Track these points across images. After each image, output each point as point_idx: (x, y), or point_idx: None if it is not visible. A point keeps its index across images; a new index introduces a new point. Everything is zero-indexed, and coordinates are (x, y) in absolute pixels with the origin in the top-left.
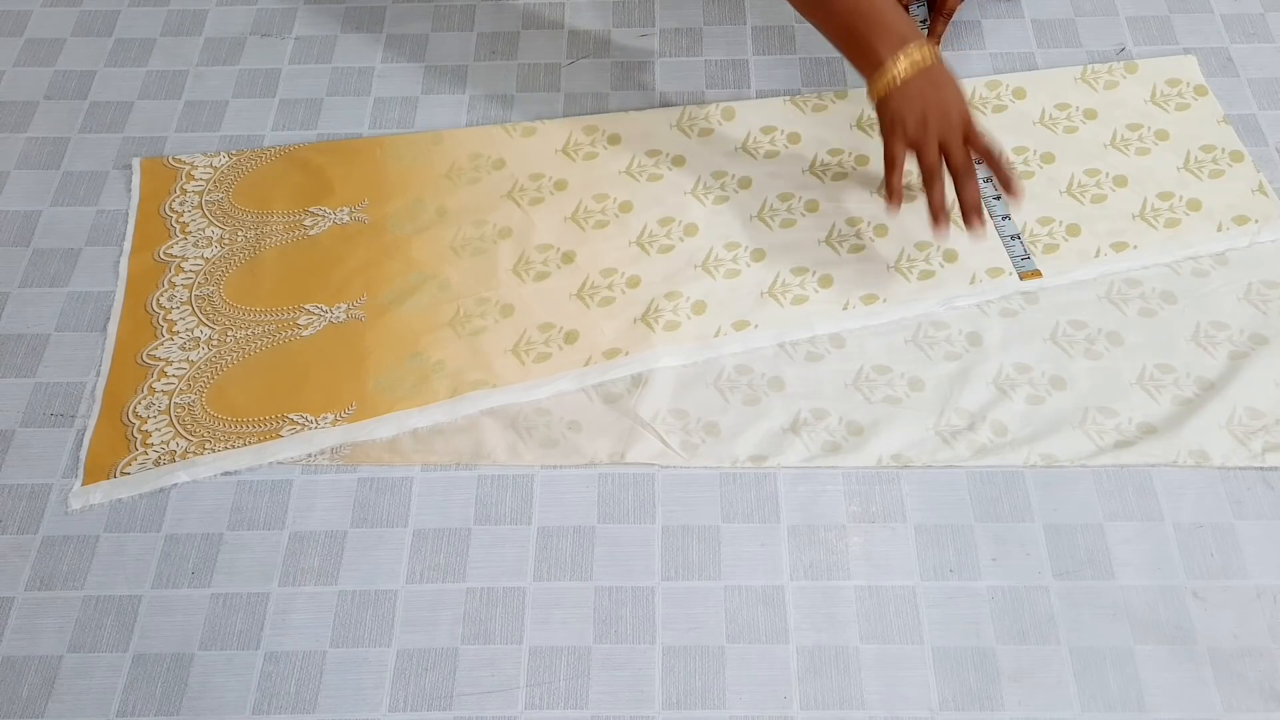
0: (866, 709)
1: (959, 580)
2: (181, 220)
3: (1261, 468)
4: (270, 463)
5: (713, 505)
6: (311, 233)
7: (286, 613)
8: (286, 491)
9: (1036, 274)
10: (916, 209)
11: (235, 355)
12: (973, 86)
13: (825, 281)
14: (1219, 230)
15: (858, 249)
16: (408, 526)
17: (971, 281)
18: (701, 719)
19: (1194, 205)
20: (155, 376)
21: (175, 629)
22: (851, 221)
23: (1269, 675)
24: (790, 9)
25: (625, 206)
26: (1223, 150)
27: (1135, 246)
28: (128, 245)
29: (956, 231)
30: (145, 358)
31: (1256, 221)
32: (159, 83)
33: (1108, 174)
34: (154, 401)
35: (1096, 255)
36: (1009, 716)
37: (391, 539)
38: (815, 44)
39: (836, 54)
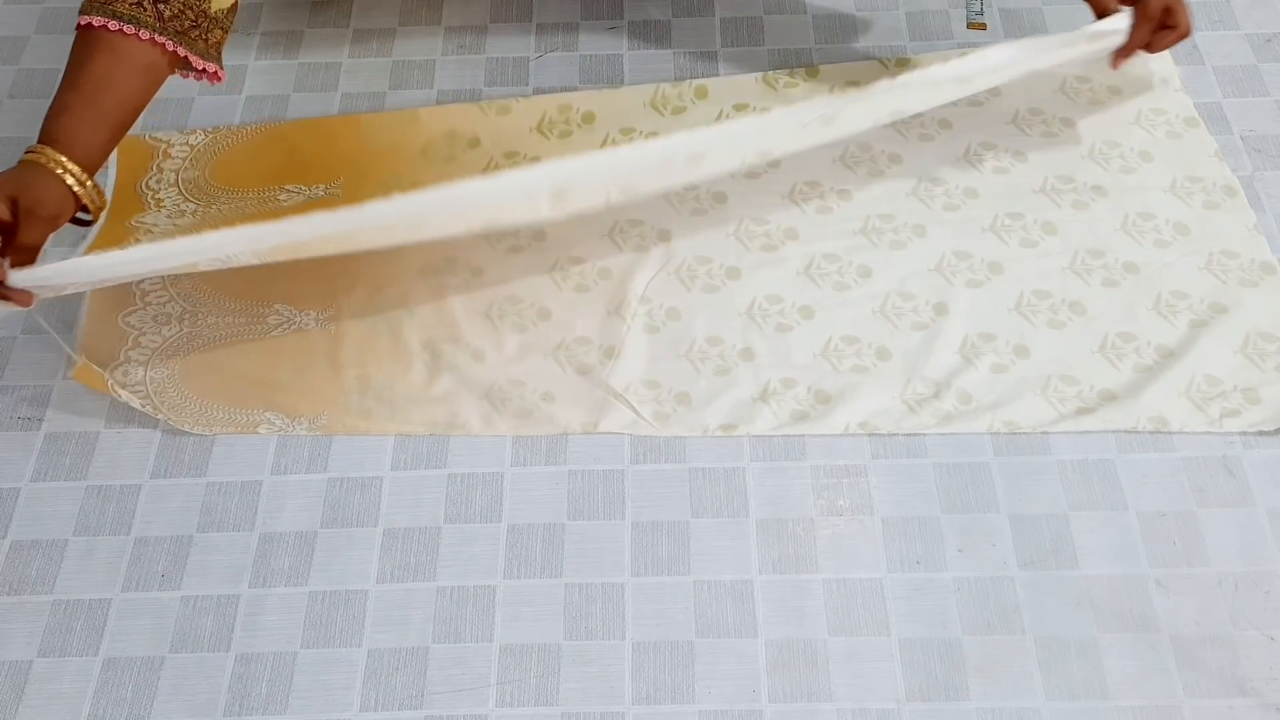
0: (834, 701)
1: (925, 572)
2: (158, 197)
3: (1219, 433)
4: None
5: (682, 500)
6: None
7: (257, 614)
8: (256, 492)
9: (982, 26)
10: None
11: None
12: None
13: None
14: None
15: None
16: (378, 526)
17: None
18: (671, 713)
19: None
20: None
21: (145, 632)
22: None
23: (1230, 662)
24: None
25: None
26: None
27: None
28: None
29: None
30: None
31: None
32: None
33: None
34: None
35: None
36: (974, 706)
37: (362, 539)
38: (783, 35)
39: (805, 45)
